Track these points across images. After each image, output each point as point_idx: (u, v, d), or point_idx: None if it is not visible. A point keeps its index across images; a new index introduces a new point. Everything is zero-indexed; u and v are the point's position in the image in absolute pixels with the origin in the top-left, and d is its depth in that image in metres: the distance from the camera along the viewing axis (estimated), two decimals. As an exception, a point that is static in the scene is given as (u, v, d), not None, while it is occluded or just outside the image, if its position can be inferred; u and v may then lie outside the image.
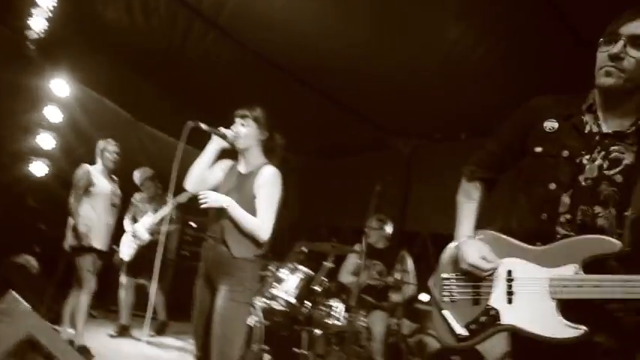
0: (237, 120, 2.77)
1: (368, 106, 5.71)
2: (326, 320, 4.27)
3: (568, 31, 3.74)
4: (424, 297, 5.72)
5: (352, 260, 4.87)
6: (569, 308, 1.54)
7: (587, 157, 1.64)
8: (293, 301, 4.24)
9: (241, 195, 2.64)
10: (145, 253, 5.33)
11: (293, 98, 5.37)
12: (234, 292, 2.49)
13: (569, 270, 1.56)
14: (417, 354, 5.16)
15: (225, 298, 2.48)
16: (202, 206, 2.59)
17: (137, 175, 5.61)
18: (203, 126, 2.62)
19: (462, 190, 1.96)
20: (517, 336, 1.67)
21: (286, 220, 7.34)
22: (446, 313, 1.78)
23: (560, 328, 1.53)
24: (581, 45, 3.78)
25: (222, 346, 2.41)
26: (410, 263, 4.63)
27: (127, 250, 5.43)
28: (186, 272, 6.98)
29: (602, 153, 1.63)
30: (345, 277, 4.89)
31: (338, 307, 4.29)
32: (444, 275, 1.85)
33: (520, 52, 4.12)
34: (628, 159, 1.59)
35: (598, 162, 1.62)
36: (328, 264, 4.23)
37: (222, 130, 2.72)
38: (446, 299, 1.81)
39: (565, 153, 1.67)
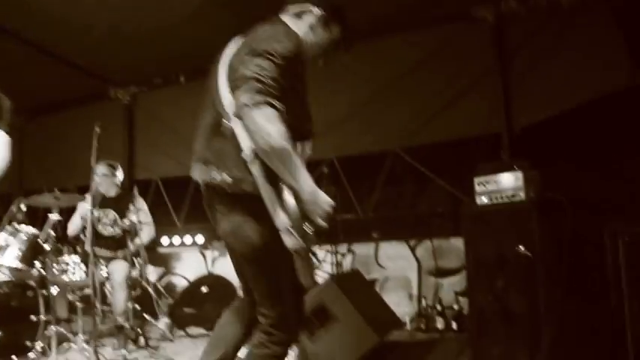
0: None
1: (83, 56, 5.33)
2: (62, 277, 4.04)
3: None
4: (165, 240, 5.84)
5: (81, 210, 4.60)
6: None
7: None
8: (18, 266, 3.88)
9: None
10: None
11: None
12: None
13: None
14: (168, 295, 5.31)
15: None
16: None
17: None
18: None
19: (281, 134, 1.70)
20: None
21: (3, 187, 6.50)
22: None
23: None
24: None
25: None
26: (142, 203, 4.64)
27: None
28: None
29: None
30: (74, 228, 4.62)
31: (73, 261, 4.08)
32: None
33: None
34: None
35: None
36: (54, 217, 3.94)
37: None
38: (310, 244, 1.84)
39: None
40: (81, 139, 5.74)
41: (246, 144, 1.76)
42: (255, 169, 1.76)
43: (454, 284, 4.50)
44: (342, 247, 4.96)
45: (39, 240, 3.91)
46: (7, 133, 2.53)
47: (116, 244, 4.49)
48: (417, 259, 4.69)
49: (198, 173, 1.94)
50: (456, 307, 4.31)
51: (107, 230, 4.51)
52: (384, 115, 4.80)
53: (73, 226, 4.60)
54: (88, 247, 3.82)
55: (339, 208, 4.73)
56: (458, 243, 4.43)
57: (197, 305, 4.91)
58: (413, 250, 4.72)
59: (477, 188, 3.19)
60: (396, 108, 4.76)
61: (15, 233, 3.92)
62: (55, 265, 3.98)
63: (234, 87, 1.76)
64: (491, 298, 3.07)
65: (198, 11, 4.44)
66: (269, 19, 2.03)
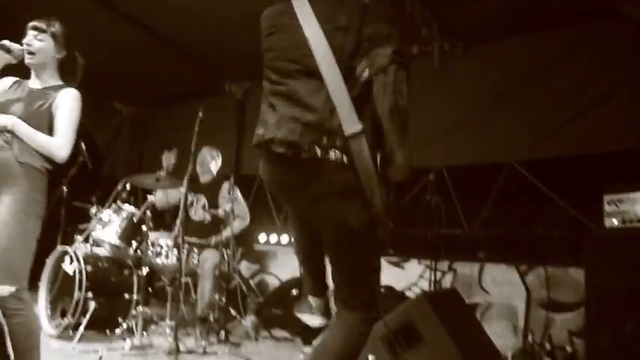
0: (31, 32, 2.45)
1: (200, 48, 5.48)
2: (156, 260, 4.09)
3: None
4: (263, 237, 5.80)
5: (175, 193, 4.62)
6: None
7: None
8: (118, 243, 4.00)
9: (31, 108, 2.35)
10: None
11: (121, 41, 4.99)
12: (21, 203, 2.20)
13: None
14: (259, 293, 5.25)
15: (10, 207, 2.18)
16: None
17: None
18: None
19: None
20: None
21: (122, 171, 6.95)
22: None
23: None
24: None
25: (8, 258, 2.13)
26: (238, 193, 4.60)
27: None
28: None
29: None
30: (159, 201, 4.62)
31: (167, 245, 4.12)
32: None
33: None
34: None
35: None
36: (152, 198, 4.02)
37: (6, 42, 2.37)
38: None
39: None
40: (192, 130, 6.01)
41: (356, 110, 1.74)
42: (363, 140, 1.72)
43: (568, 321, 3.91)
44: (443, 265, 4.57)
45: (134, 219, 4.02)
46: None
47: (206, 230, 4.49)
48: (526, 288, 4.16)
49: (291, 148, 1.77)
50: (568, 348, 3.73)
51: (197, 215, 4.54)
52: (502, 124, 4.34)
53: (158, 200, 4.60)
54: (178, 230, 3.85)
55: (444, 221, 4.36)
56: (576, 274, 3.85)
57: (285, 307, 4.77)
58: (523, 276, 4.19)
59: (607, 208, 2.71)
60: (516, 116, 4.27)
61: (118, 211, 4.07)
62: (150, 246, 4.04)
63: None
64: (616, 342, 2.55)
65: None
66: None
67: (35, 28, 2.44)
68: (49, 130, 2.37)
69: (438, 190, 4.33)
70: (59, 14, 2.58)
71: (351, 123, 1.71)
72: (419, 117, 4.79)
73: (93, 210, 4.15)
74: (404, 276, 4.64)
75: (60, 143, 2.35)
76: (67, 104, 2.41)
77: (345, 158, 1.73)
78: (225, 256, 4.32)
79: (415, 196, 4.81)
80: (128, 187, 4.19)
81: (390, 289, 4.53)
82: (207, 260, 4.22)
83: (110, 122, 7.25)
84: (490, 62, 4.45)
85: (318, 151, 1.73)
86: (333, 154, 1.73)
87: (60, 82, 2.52)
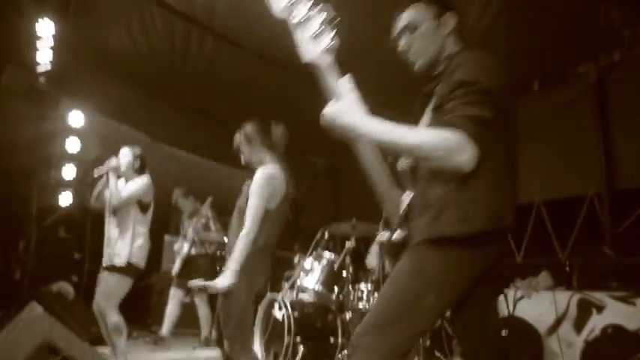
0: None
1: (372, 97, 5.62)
2: (358, 305, 4.16)
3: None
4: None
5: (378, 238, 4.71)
6: None
7: None
8: (319, 289, 4.17)
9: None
10: (193, 265, 5.66)
11: (300, 96, 5.38)
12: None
13: None
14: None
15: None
16: None
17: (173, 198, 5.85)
18: None
19: None
20: None
21: (319, 220, 7.35)
22: None
23: None
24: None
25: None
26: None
27: (177, 265, 5.73)
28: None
29: None
30: (371, 260, 4.73)
31: (369, 289, 4.17)
32: None
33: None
34: None
35: None
36: (350, 244, 4.13)
37: None
38: None
39: None
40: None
41: None
42: None
43: None
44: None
45: (335, 266, 4.16)
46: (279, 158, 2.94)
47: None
48: None
49: None
50: None
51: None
52: None
53: (370, 258, 4.73)
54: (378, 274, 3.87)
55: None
56: None
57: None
58: None
59: None
60: None
61: (319, 258, 4.27)
62: (351, 291, 4.13)
63: None
64: None
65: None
66: None
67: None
68: None
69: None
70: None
71: None
72: (630, 133, 4.24)
73: (296, 258, 4.41)
74: (636, 314, 3.97)
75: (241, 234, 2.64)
76: (252, 187, 2.72)
77: None
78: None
79: (638, 220, 4.19)
80: (326, 235, 4.39)
81: (618, 329, 3.92)
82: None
83: (306, 174, 7.75)
84: None
85: None
86: None
87: (260, 160, 2.85)
